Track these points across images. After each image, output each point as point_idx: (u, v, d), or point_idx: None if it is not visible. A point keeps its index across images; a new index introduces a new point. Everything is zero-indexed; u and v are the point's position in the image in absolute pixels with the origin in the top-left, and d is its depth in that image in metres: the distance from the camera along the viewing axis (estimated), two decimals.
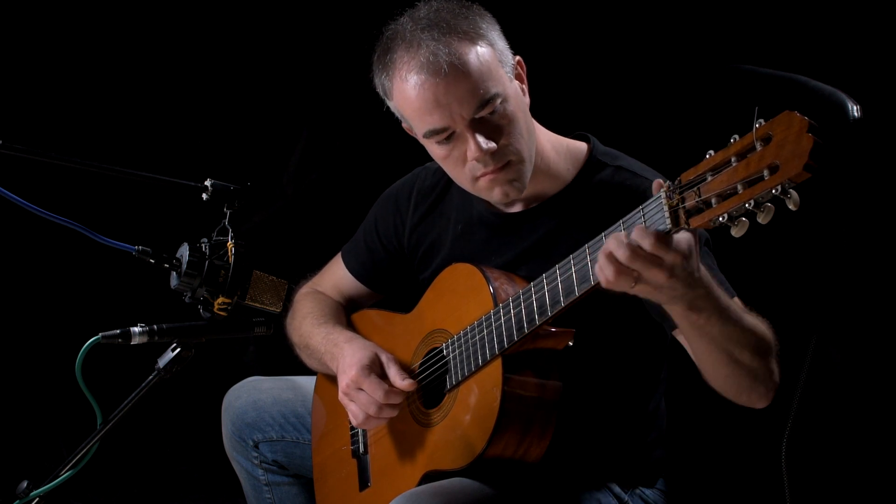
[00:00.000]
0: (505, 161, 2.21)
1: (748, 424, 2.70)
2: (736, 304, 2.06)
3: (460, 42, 2.17)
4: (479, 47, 2.18)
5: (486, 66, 2.18)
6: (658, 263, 1.79)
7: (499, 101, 2.18)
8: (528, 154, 2.24)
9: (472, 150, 2.19)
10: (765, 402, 2.07)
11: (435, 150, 2.26)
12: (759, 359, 2.00)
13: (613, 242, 1.80)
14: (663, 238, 1.78)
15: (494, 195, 2.27)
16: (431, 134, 2.22)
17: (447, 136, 2.21)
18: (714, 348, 1.97)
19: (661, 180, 1.82)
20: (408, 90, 2.20)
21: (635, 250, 1.78)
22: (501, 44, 2.23)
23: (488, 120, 2.19)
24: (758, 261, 2.76)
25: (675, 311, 1.93)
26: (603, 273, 1.83)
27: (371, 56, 2.29)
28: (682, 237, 1.80)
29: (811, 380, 2.39)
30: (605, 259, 1.82)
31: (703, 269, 1.87)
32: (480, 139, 2.17)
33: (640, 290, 1.84)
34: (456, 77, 2.15)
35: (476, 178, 2.24)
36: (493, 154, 2.19)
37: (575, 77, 3.65)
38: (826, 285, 2.62)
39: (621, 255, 1.79)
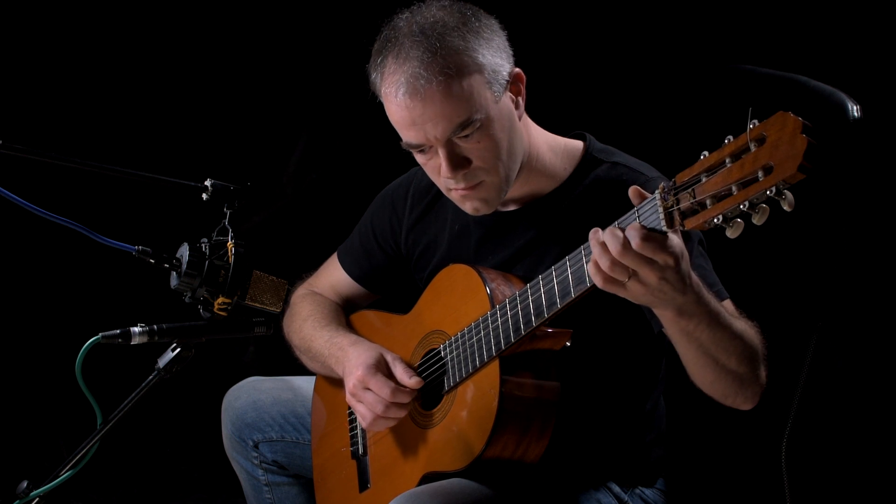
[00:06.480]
0: (477, 181, 2.22)
1: (748, 424, 2.69)
2: (727, 307, 2.07)
3: (444, 65, 2.13)
4: (464, 71, 2.14)
5: (468, 91, 2.15)
6: (650, 262, 1.80)
7: (476, 125, 2.16)
8: (504, 174, 2.23)
9: (442, 169, 2.21)
10: (750, 405, 2.09)
11: (416, 156, 2.28)
12: (746, 364, 2.02)
13: (610, 236, 1.81)
14: (658, 237, 1.79)
15: (466, 209, 2.28)
16: (408, 146, 2.24)
17: (423, 149, 2.22)
18: (701, 354, 1.99)
19: (638, 187, 1.84)
20: (389, 103, 2.21)
21: (629, 246, 1.79)
22: (496, 60, 2.19)
23: (464, 142, 2.18)
24: (758, 261, 2.76)
25: (665, 316, 1.94)
26: (597, 267, 1.84)
27: (372, 46, 2.29)
28: (675, 240, 1.81)
29: (811, 380, 2.39)
30: (600, 249, 1.83)
31: (693, 274, 1.88)
32: (451, 162, 2.18)
33: (631, 290, 1.85)
34: (433, 101, 2.14)
35: (449, 190, 2.27)
36: (464, 174, 2.20)
37: (574, 76, 3.65)
38: (826, 286, 2.62)
39: (615, 249, 1.80)
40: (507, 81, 2.22)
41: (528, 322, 2.10)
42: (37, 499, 2.16)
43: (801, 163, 1.56)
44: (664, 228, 1.78)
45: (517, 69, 2.25)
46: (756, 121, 1.64)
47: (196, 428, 4.09)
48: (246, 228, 2.29)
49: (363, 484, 2.52)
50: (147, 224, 4.04)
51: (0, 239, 4.17)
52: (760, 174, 1.61)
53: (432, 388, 2.35)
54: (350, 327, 2.63)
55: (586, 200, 2.28)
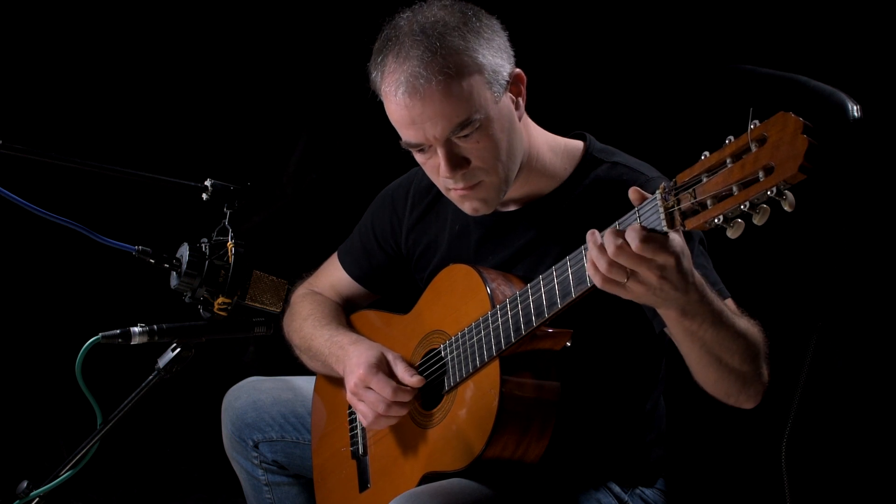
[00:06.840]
0: (476, 181, 2.22)
1: (748, 424, 2.70)
2: (729, 305, 2.06)
3: (444, 65, 2.13)
4: (463, 71, 2.15)
5: (468, 91, 2.15)
6: (648, 262, 1.80)
7: (476, 125, 2.16)
8: (504, 174, 2.24)
9: (441, 169, 2.21)
10: (753, 404, 2.09)
11: (415, 155, 2.28)
12: (749, 363, 2.01)
13: (609, 236, 1.81)
14: (658, 237, 1.78)
15: (464, 209, 2.29)
16: (407, 145, 2.24)
17: (422, 148, 2.22)
18: (704, 353, 1.99)
19: (638, 188, 1.84)
20: (388, 102, 2.21)
21: (624, 247, 1.79)
22: (497, 60, 2.19)
23: (463, 142, 2.19)
24: (758, 261, 2.76)
25: (669, 316, 1.94)
26: (595, 268, 1.84)
27: (373, 45, 2.29)
28: (675, 239, 1.81)
29: (811, 380, 2.39)
30: (597, 251, 1.83)
31: (696, 273, 1.88)
32: (450, 161, 2.19)
33: (632, 290, 1.85)
34: (432, 100, 2.14)
35: (448, 190, 2.27)
36: (462, 174, 2.20)
37: (574, 76, 3.65)
38: (826, 285, 2.62)
39: (612, 249, 1.80)
40: (508, 82, 2.22)
41: (528, 322, 2.10)
42: (37, 499, 2.16)
43: (801, 163, 1.56)
44: (665, 229, 1.78)
45: (518, 70, 2.25)
46: (757, 121, 1.64)
47: (196, 428, 4.09)
48: (246, 228, 2.29)
49: (363, 484, 2.52)
50: (147, 224, 4.04)
51: (0, 239, 4.17)
52: (761, 174, 1.61)
53: (432, 387, 2.35)
54: (350, 327, 2.63)
55: (586, 200, 2.28)
